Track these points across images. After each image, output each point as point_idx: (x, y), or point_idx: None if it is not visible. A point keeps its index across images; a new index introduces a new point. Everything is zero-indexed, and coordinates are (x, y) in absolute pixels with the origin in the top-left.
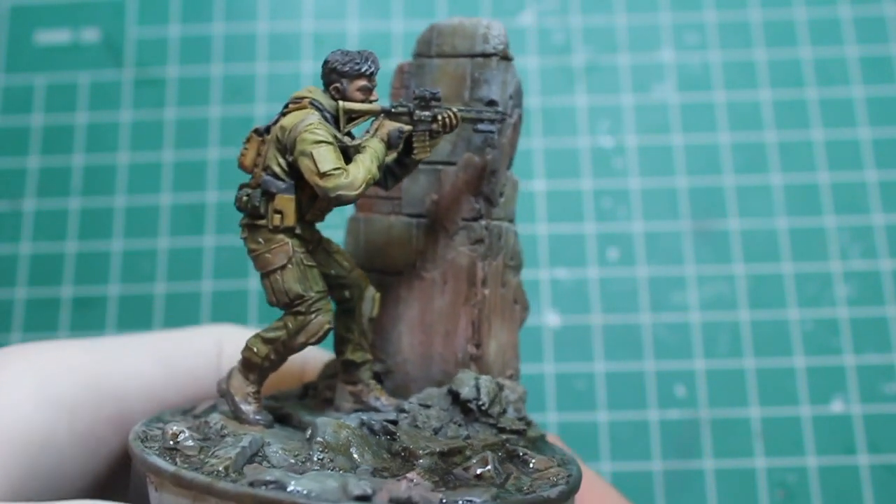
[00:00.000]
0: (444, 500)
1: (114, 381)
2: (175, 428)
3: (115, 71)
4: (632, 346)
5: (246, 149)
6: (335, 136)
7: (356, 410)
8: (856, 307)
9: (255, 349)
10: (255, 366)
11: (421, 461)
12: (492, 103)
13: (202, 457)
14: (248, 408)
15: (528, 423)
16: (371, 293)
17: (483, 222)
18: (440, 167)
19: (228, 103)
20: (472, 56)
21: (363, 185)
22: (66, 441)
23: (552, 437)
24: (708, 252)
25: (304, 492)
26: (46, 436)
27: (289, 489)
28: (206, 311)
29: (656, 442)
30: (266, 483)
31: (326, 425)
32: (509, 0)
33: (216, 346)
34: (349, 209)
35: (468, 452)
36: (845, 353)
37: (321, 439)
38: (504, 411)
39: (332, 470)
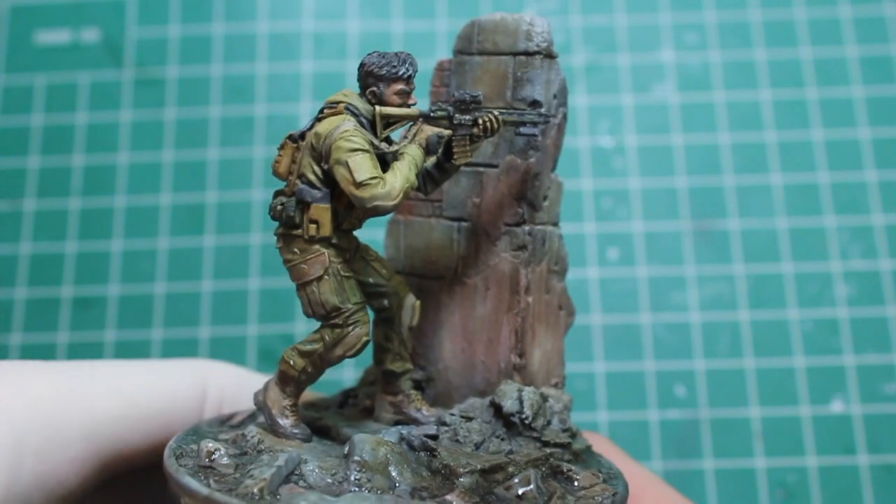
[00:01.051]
0: None
1: (82, 420)
2: (211, 445)
3: (115, 71)
4: (632, 346)
5: (280, 155)
6: (372, 143)
7: (397, 422)
8: (856, 307)
9: (291, 362)
10: (291, 379)
11: (461, 479)
12: (535, 104)
13: (237, 475)
14: (285, 421)
15: (574, 435)
16: (411, 301)
17: (526, 228)
18: (482, 169)
19: (228, 103)
20: (515, 54)
21: (401, 195)
22: (32, 484)
23: (601, 440)
24: (708, 252)
25: None
26: (10, 481)
27: None
28: (205, 311)
29: (656, 442)
30: None
31: (364, 443)
32: (509, 0)
33: (194, 386)
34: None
35: (511, 469)
36: (845, 353)
37: (358, 458)
38: (548, 423)
39: (369, 490)
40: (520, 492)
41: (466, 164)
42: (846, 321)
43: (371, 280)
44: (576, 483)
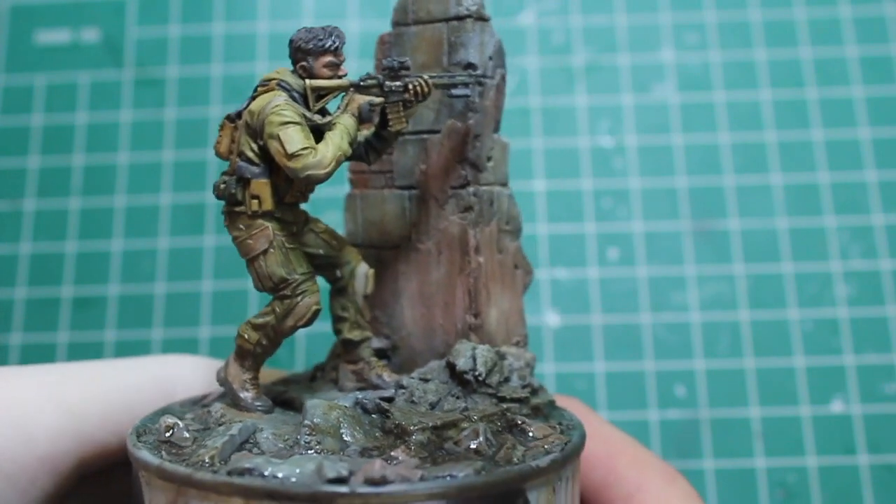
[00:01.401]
0: (422, 477)
1: (45, 420)
2: (170, 420)
3: (115, 71)
4: (632, 346)
5: (220, 136)
6: (304, 116)
7: (359, 389)
8: (856, 307)
9: (246, 336)
10: (248, 352)
11: (413, 437)
12: (470, 66)
13: (194, 447)
14: (246, 395)
15: (535, 390)
16: (363, 270)
17: (471, 189)
18: (426, 136)
19: (228, 103)
20: (448, 20)
21: (333, 163)
22: (4, 483)
23: (571, 401)
24: (708, 252)
25: (280, 476)
26: None
27: (265, 474)
28: (205, 311)
29: (656, 442)
30: (244, 471)
31: (316, 407)
32: (509, 0)
33: (159, 381)
34: (345, 186)
35: (464, 425)
36: (845, 353)
37: (309, 422)
38: (506, 380)
39: (318, 453)
40: (470, 445)
41: (411, 132)
42: (846, 321)
43: (322, 252)
44: (530, 434)
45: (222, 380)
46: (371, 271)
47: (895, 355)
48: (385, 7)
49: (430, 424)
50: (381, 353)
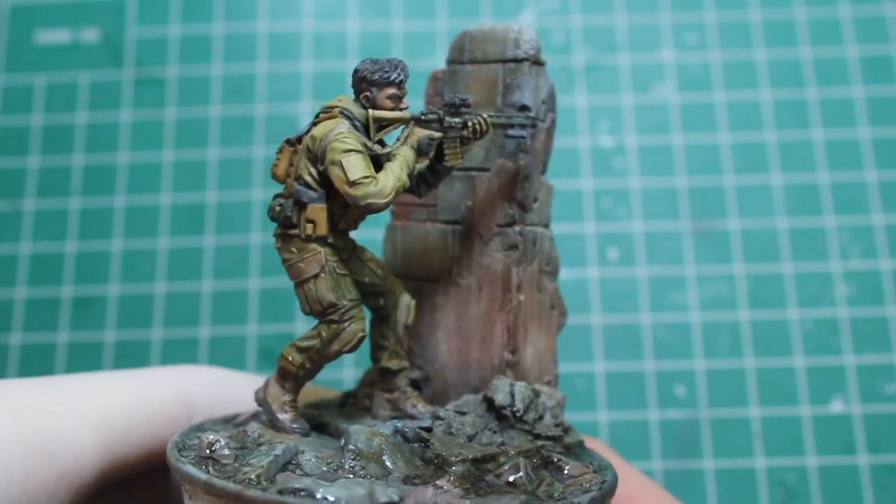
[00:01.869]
0: None
1: (65, 436)
2: (211, 437)
3: (115, 71)
4: (632, 346)
5: (278, 159)
6: (365, 145)
7: (393, 418)
8: (856, 307)
9: (290, 358)
10: (290, 374)
11: (454, 468)
12: (524, 108)
13: (237, 465)
14: (284, 416)
15: (566, 430)
16: (406, 301)
17: (517, 228)
18: (474, 173)
19: (228, 103)
20: (504, 61)
21: (392, 193)
22: (21, 500)
23: (596, 442)
24: (708, 252)
25: (332, 499)
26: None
27: (317, 496)
28: (205, 311)
29: (656, 442)
30: (295, 491)
31: (359, 433)
32: (509, 0)
33: (180, 394)
34: (386, 217)
35: (502, 459)
36: (845, 353)
37: (353, 447)
38: (540, 417)
39: (363, 477)
40: (510, 479)
41: (459, 169)
42: (846, 321)
43: (367, 279)
44: (565, 472)
45: (261, 400)
46: (413, 302)
47: (895, 355)
48: (385, 7)
49: (470, 456)
50: (412, 384)
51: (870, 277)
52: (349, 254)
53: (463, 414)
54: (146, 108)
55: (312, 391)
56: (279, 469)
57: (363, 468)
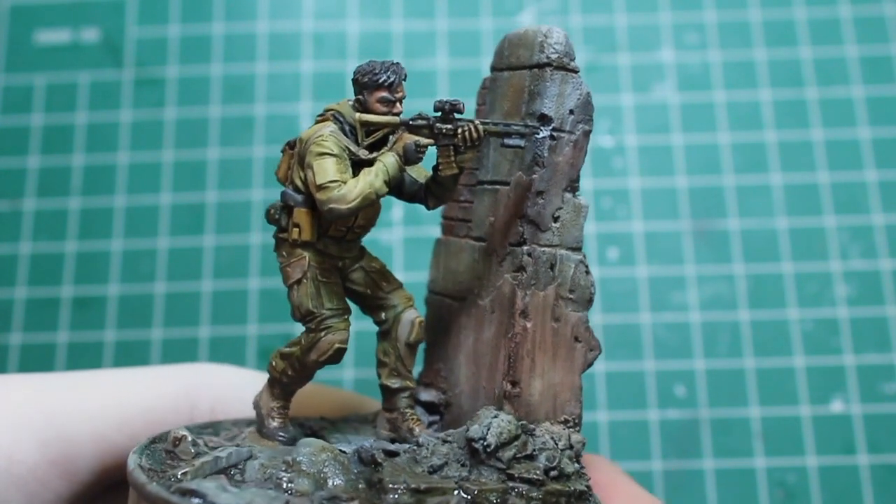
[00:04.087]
0: None
1: (59, 423)
2: (180, 433)
3: (115, 71)
4: (632, 346)
5: (281, 162)
6: (348, 149)
7: (392, 440)
8: (856, 307)
9: (273, 363)
10: (276, 381)
11: (390, 496)
12: (543, 118)
13: (188, 461)
14: (271, 423)
15: (564, 475)
16: (410, 317)
17: (525, 248)
18: (499, 187)
19: (228, 103)
20: (531, 67)
21: (357, 199)
22: (4, 486)
23: (599, 459)
24: (708, 252)
25: None
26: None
27: (207, 500)
28: (205, 311)
29: (656, 442)
30: (189, 492)
31: (308, 445)
32: (509, 0)
33: (183, 389)
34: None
35: (448, 495)
36: (845, 353)
37: (290, 458)
38: (530, 458)
39: (286, 491)
40: None
41: (489, 182)
42: (846, 321)
43: (369, 291)
44: None
45: (256, 405)
46: (419, 319)
47: (895, 355)
48: (385, 7)
49: (413, 486)
50: (433, 408)
51: (870, 277)
52: (351, 262)
53: (445, 442)
54: (146, 108)
55: (342, 397)
56: (217, 471)
57: (290, 481)
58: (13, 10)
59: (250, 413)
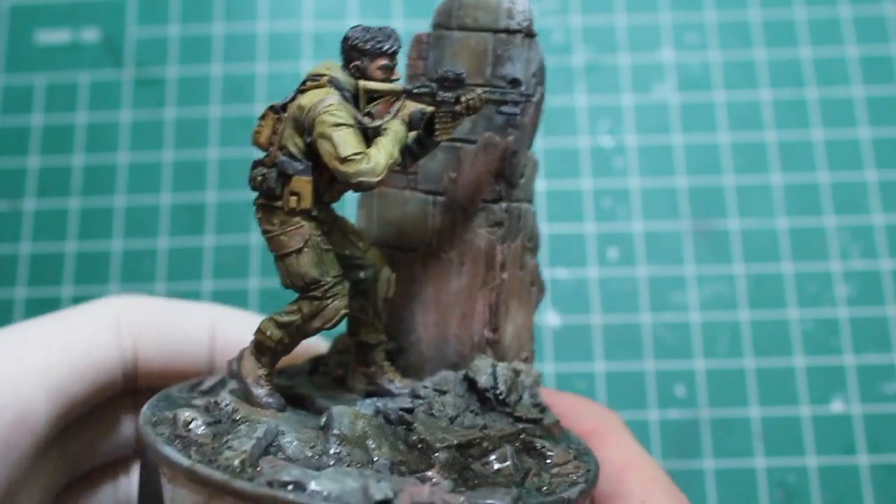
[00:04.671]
0: (464, 503)
1: (8, 382)
2: (188, 414)
3: (115, 71)
4: (632, 346)
5: (261, 125)
6: (356, 118)
7: (369, 393)
8: (856, 307)
9: (268, 333)
10: (267, 349)
11: (438, 455)
12: (515, 82)
13: (216, 446)
14: (259, 391)
15: (543, 409)
16: (386, 274)
17: (503, 205)
18: (459, 144)
19: (228, 103)
20: (496, 31)
21: (385, 170)
22: None
23: (575, 398)
24: (708, 252)
25: (325, 493)
26: None
27: (308, 490)
28: None
29: (656, 442)
30: (285, 484)
31: (343, 415)
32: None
33: (118, 322)
34: None
35: (485, 444)
36: (845, 353)
37: (338, 431)
38: (520, 398)
39: (349, 465)
40: (496, 468)
41: (447, 140)
42: (846, 321)
43: (347, 252)
44: (548, 460)
45: (235, 373)
46: (393, 276)
47: (895, 355)
48: (385, 7)
49: (455, 442)
50: (387, 356)
51: (870, 277)
52: (331, 226)
53: (443, 393)
54: (146, 108)
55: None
56: (262, 453)
57: (349, 454)
58: (13, 10)
59: (179, 345)
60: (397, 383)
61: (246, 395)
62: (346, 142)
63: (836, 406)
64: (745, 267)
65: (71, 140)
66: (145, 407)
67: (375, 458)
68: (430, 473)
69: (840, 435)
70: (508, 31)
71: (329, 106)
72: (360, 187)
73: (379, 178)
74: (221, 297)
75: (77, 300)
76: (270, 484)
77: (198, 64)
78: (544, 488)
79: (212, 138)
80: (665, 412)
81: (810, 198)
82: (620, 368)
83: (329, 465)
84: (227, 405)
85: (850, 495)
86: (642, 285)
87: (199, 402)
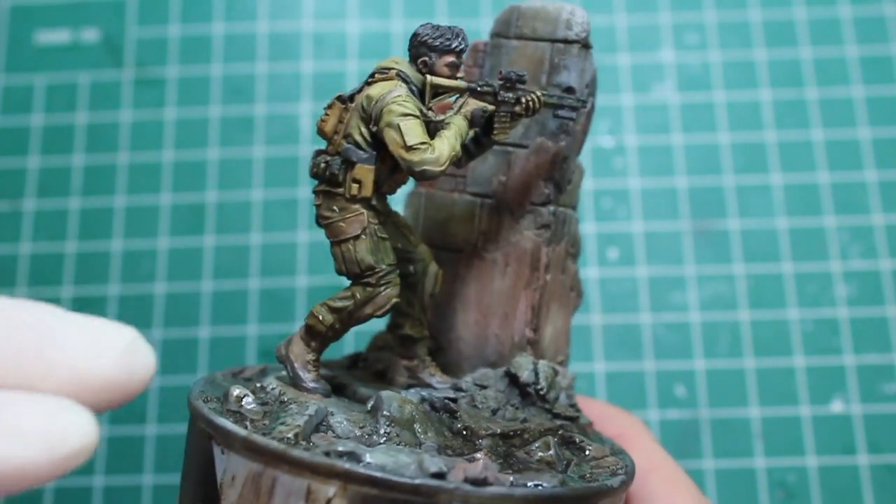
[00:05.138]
0: (513, 483)
1: None
2: (239, 391)
3: (115, 71)
4: (632, 346)
5: (327, 115)
6: (421, 111)
7: (409, 386)
8: (856, 307)
9: (320, 317)
10: (318, 334)
11: (483, 441)
12: (570, 90)
13: (266, 422)
14: (307, 376)
15: (578, 410)
16: (434, 269)
17: (551, 208)
18: (510, 149)
19: (228, 103)
20: (553, 41)
21: (447, 162)
22: None
23: (600, 404)
24: (708, 252)
25: (380, 464)
26: None
27: (364, 461)
28: (205, 311)
29: None
30: (341, 454)
31: (392, 399)
32: (509, 1)
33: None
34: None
35: (526, 436)
36: (845, 353)
37: (387, 413)
38: (557, 397)
39: (399, 445)
40: (539, 456)
41: (498, 143)
42: (846, 321)
43: (399, 245)
44: (587, 453)
45: (283, 356)
46: (440, 272)
47: (895, 355)
48: (385, 7)
49: (498, 431)
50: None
51: (870, 277)
52: (386, 217)
53: (483, 388)
54: (146, 108)
55: None
56: (313, 430)
57: (398, 435)
58: (13, 10)
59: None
60: (438, 378)
61: (293, 380)
62: (413, 131)
63: (836, 406)
64: (745, 267)
65: (71, 140)
66: (193, 385)
67: (423, 442)
68: (478, 455)
69: (840, 435)
70: (566, 42)
71: (397, 97)
72: (423, 176)
73: (441, 169)
74: (221, 297)
75: (77, 300)
76: (328, 454)
77: (198, 64)
78: (587, 476)
79: (212, 138)
80: (665, 412)
81: (810, 198)
82: (620, 368)
83: (380, 444)
84: (273, 388)
85: (850, 495)
86: (642, 285)
87: (247, 387)
